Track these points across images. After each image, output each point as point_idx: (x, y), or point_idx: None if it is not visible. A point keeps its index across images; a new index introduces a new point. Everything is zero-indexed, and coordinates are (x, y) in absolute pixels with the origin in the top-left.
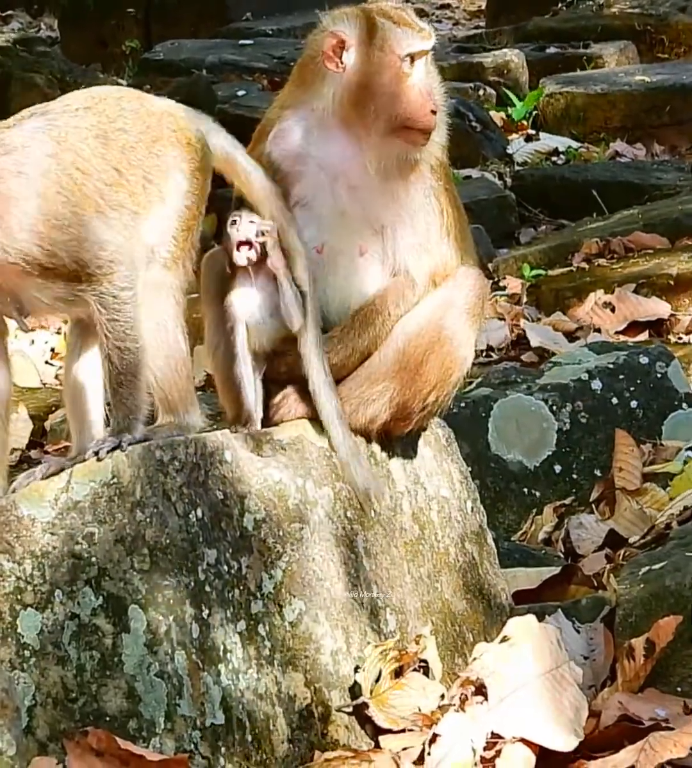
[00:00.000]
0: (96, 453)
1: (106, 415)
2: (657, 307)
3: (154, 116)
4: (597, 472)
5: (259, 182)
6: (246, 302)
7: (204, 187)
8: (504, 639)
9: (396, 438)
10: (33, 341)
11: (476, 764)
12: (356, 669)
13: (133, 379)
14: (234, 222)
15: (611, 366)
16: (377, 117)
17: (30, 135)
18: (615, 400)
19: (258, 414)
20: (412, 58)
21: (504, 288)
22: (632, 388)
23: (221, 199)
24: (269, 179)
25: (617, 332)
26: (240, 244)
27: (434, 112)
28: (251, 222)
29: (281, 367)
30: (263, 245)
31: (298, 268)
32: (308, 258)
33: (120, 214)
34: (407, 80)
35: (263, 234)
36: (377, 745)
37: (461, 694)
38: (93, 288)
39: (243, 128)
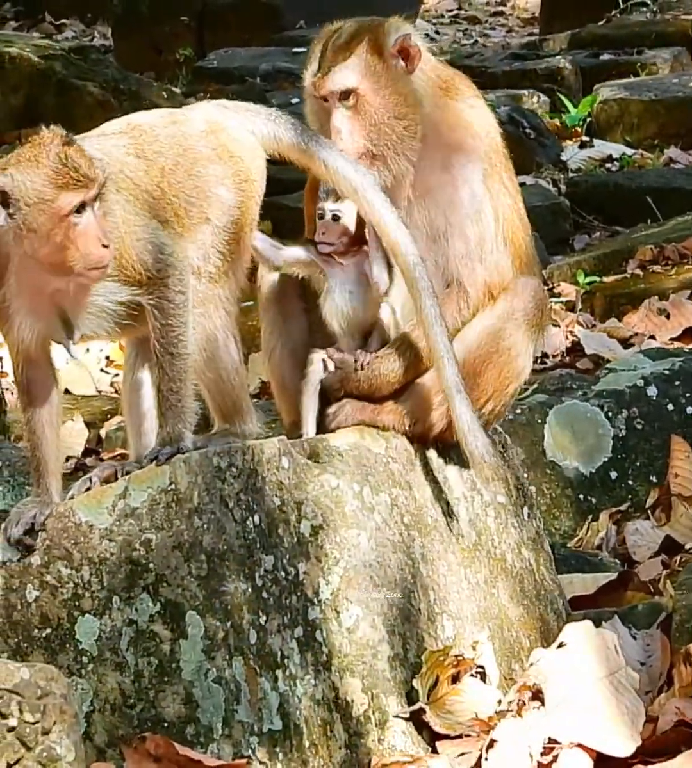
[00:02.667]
0: (153, 459)
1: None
2: None
3: (191, 138)
4: (653, 479)
5: (337, 173)
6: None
7: (254, 196)
8: (561, 645)
9: (453, 445)
10: (88, 349)
11: None
12: (413, 675)
13: (182, 385)
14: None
15: (666, 372)
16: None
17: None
18: (670, 407)
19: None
20: None
21: (559, 295)
22: (688, 394)
23: (276, 207)
24: (346, 163)
25: (671, 339)
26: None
27: None
28: (335, 217)
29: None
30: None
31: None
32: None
33: (168, 232)
34: None
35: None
36: (435, 751)
37: (518, 699)
38: (151, 292)
39: None
